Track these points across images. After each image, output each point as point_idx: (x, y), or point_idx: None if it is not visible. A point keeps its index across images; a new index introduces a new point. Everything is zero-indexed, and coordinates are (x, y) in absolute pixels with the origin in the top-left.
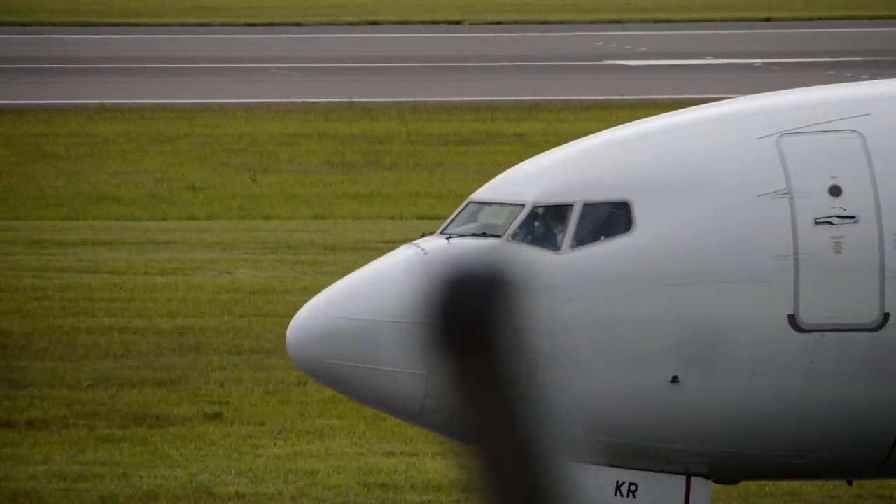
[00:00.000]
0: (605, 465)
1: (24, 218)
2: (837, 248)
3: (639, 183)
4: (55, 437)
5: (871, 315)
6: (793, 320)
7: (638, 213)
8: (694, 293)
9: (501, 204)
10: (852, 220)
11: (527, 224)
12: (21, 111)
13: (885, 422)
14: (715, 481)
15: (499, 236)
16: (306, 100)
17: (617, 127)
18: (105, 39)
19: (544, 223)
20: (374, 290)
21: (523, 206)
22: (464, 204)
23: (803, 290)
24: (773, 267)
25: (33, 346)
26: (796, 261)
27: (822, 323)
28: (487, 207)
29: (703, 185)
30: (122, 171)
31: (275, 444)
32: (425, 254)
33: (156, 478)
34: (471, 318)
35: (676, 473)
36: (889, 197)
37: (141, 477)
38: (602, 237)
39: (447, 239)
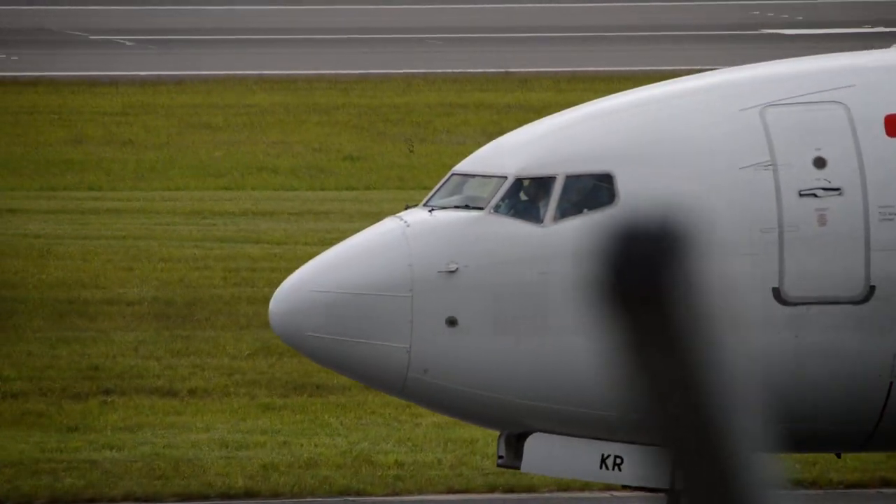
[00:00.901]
0: (589, 437)
1: (184, 188)
2: (822, 221)
3: (622, 155)
4: (217, 406)
5: (856, 288)
6: (777, 293)
7: (621, 185)
8: None
9: (484, 176)
10: (837, 193)
11: (509, 196)
12: (179, 82)
13: (870, 394)
14: None
15: (482, 208)
16: (462, 70)
17: (601, 98)
18: (261, 11)
19: (527, 196)
20: (357, 262)
21: (506, 178)
22: (447, 176)
23: (788, 263)
24: (757, 240)
25: (195, 316)
26: (780, 233)
27: (808, 296)
28: (471, 179)
29: (686, 157)
30: (280, 141)
31: (434, 413)
32: (407, 226)
33: (316, 446)
34: (646, 275)
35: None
36: (874, 169)
37: (301, 445)
38: (585, 209)
39: (430, 211)
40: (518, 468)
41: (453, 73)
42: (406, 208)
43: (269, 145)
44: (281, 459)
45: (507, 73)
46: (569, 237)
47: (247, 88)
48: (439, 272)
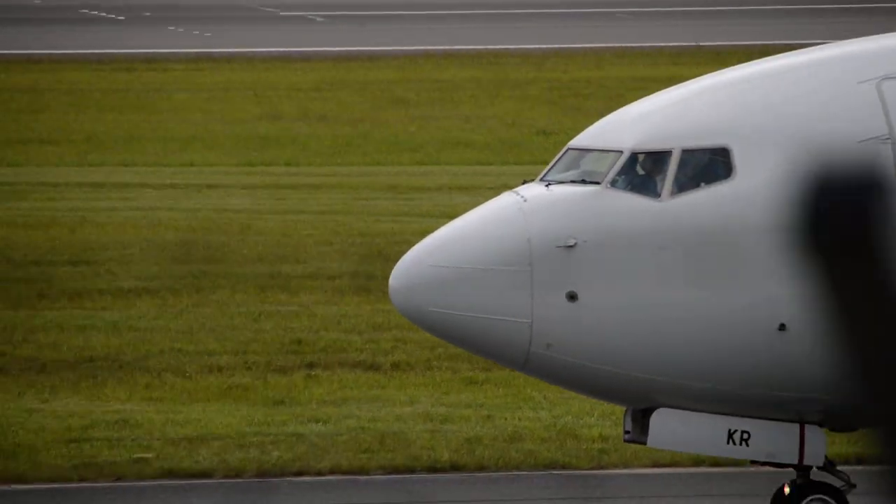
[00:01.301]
0: (716, 412)
1: (380, 163)
2: None
3: (738, 128)
4: (420, 379)
5: None
6: None
7: (738, 158)
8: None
9: (600, 150)
10: None
11: (626, 171)
12: (372, 58)
13: None
14: (830, 429)
15: (598, 183)
16: (653, 44)
17: (716, 72)
18: None
19: (644, 170)
20: (475, 237)
21: (621, 152)
22: (563, 150)
23: None
24: None
25: None
26: None
27: None
28: (587, 154)
29: (803, 130)
30: (474, 115)
31: None
32: (525, 201)
33: (520, 419)
34: (850, 222)
35: (790, 421)
36: None
37: (505, 418)
38: (702, 184)
39: (546, 186)
40: (644, 443)
41: (645, 46)
42: (523, 183)
43: (463, 120)
44: (485, 433)
45: (699, 46)
46: (686, 211)
47: (438, 64)
48: (558, 247)
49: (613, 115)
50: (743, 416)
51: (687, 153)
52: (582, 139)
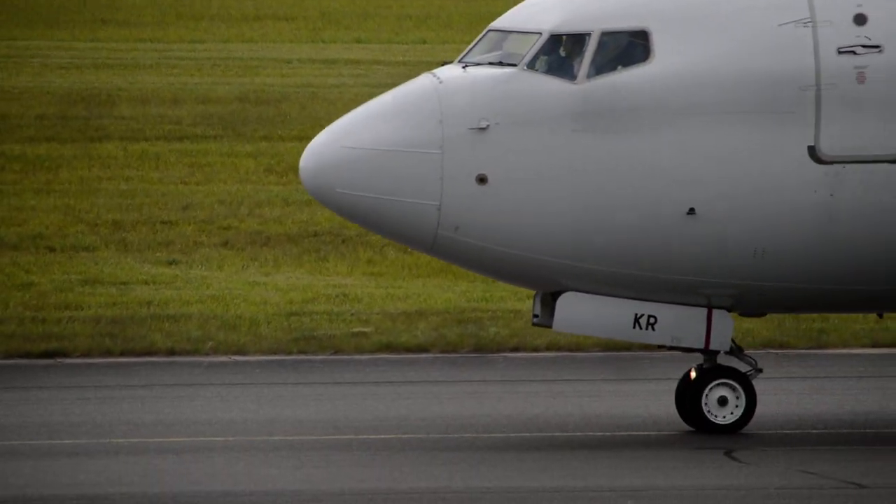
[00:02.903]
0: (623, 297)
1: None
2: (861, 79)
3: (658, 11)
4: None
5: (893, 147)
6: (813, 152)
7: (657, 42)
8: (712, 124)
9: (520, 32)
10: (877, 50)
11: (543, 53)
12: None
13: None
14: (740, 314)
15: (515, 65)
16: None
17: None
18: None
19: (562, 52)
20: (388, 119)
21: (540, 34)
22: (483, 32)
23: (825, 121)
24: (793, 97)
25: None
26: (818, 91)
27: (843, 154)
28: (509, 36)
29: (723, 14)
30: None
31: None
32: (440, 83)
33: None
34: None
35: (697, 306)
36: None
37: None
38: (620, 66)
39: (463, 68)
40: (551, 327)
41: None
42: (443, 64)
43: None
44: None
45: None
46: (602, 94)
47: None
48: (470, 129)
49: None
50: (651, 300)
51: (606, 35)
52: (503, 21)
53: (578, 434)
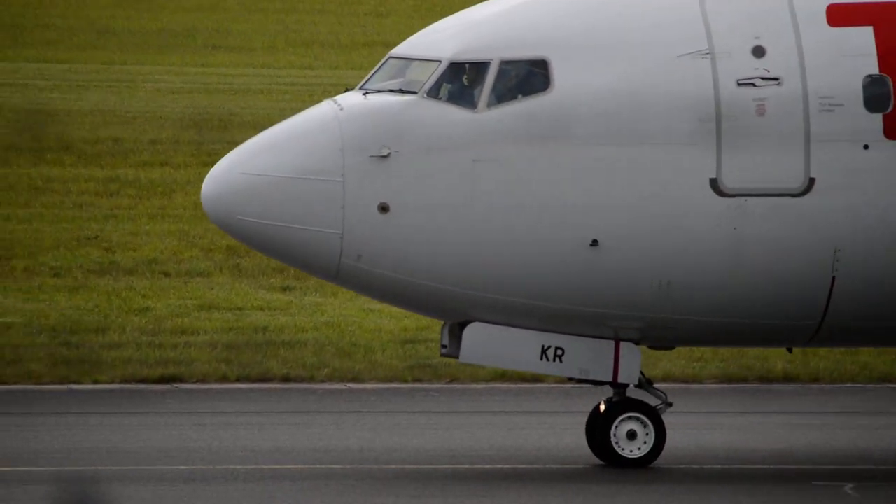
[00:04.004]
0: (529, 328)
1: None
2: (760, 111)
3: (558, 41)
4: None
5: (795, 180)
6: (715, 184)
7: (556, 71)
8: (613, 155)
9: (420, 60)
10: (776, 82)
11: (444, 81)
12: None
13: (813, 288)
14: (650, 347)
15: (415, 93)
16: None
17: None
18: None
19: (462, 80)
20: (289, 146)
21: (440, 62)
22: (384, 59)
23: (725, 153)
24: (694, 129)
25: None
26: (718, 123)
27: (745, 187)
28: (410, 63)
29: (623, 44)
30: None
31: None
32: (341, 109)
33: None
34: None
35: (605, 338)
36: (814, 59)
37: None
38: (520, 96)
39: (364, 95)
40: (458, 358)
41: None
42: (346, 90)
43: None
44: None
45: None
46: (501, 123)
47: None
48: (371, 157)
49: (436, 24)
50: (558, 332)
51: (506, 64)
52: (403, 48)
53: (694, 466)
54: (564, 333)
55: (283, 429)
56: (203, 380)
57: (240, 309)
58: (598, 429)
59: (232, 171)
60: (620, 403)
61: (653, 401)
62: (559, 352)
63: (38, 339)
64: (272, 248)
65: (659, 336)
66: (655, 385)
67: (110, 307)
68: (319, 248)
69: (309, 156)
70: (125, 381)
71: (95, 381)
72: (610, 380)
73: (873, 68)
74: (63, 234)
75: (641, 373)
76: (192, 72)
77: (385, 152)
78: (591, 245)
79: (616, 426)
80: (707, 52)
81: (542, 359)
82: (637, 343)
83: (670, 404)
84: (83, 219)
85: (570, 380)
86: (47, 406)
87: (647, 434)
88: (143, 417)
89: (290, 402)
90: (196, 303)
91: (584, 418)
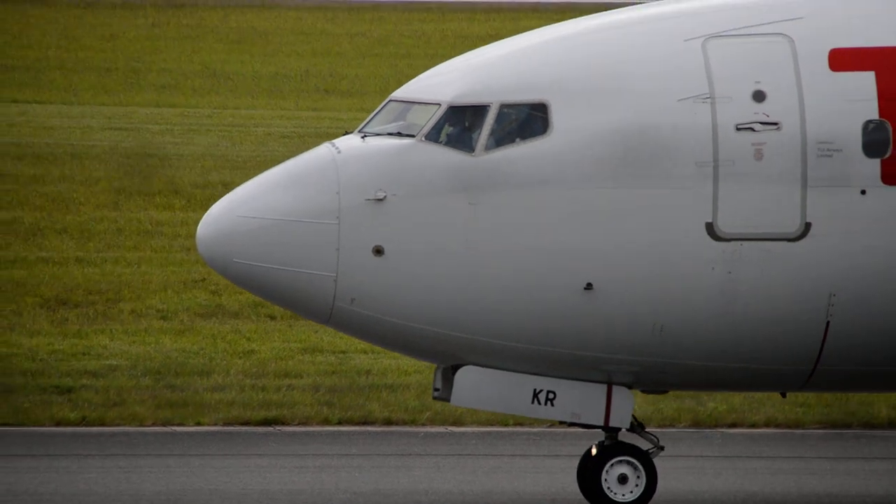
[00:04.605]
0: (521, 371)
1: None
2: (759, 156)
3: (558, 84)
4: None
5: (791, 224)
6: (711, 228)
7: (555, 115)
8: (611, 198)
9: (420, 103)
10: (775, 127)
11: (443, 124)
12: None
13: (808, 333)
14: (643, 391)
15: (414, 136)
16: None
17: (542, 28)
18: None
19: (461, 124)
20: (286, 188)
21: (439, 105)
22: (384, 102)
23: (722, 197)
24: (691, 173)
25: None
26: (716, 167)
27: (741, 232)
28: (410, 106)
29: (623, 88)
30: None
31: None
32: (339, 152)
33: None
34: None
35: (597, 382)
36: (814, 104)
37: None
38: (518, 139)
39: (362, 138)
40: (450, 401)
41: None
42: (345, 134)
43: None
44: None
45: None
46: (499, 167)
47: None
48: (367, 200)
49: (436, 68)
50: (550, 376)
51: (506, 108)
52: (403, 91)
53: None
54: (557, 377)
55: (383, 471)
56: (305, 422)
57: (343, 352)
58: (588, 472)
59: (228, 214)
60: (612, 447)
61: (645, 444)
62: (551, 395)
63: (143, 382)
64: (266, 290)
65: (652, 380)
66: (757, 430)
67: (215, 350)
68: (313, 291)
69: (305, 198)
70: (228, 423)
71: (198, 423)
72: (602, 423)
73: (873, 114)
74: (170, 278)
75: (633, 416)
76: (304, 115)
77: (381, 195)
78: (586, 288)
79: (607, 470)
80: (707, 96)
81: (533, 402)
82: (630, 387)
83: (662, 448)
84: (191, 262)
85: (562, 423)
86: (150, 448)
87: (638, 478)
88: (245, 460)
89: (391, 445)
90: (300, 346)
91: (689, 463)
